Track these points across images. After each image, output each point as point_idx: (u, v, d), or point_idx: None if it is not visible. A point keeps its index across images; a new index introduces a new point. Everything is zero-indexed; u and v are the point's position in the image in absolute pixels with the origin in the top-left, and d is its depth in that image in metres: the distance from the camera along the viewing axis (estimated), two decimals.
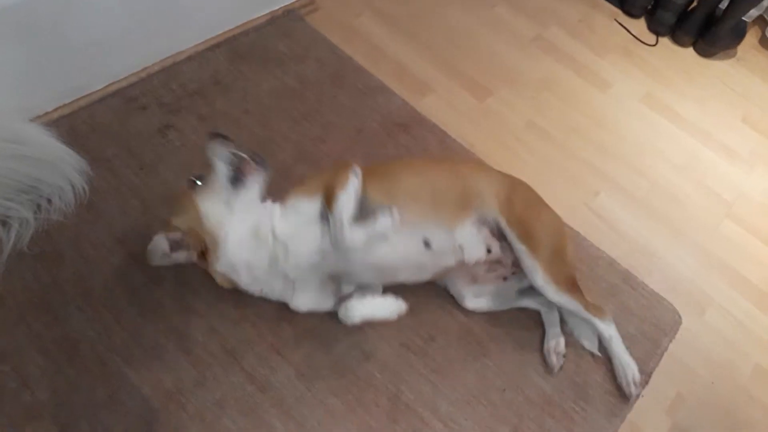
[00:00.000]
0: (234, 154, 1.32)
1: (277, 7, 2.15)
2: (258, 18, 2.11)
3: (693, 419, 1.58)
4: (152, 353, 1.40)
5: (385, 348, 1.51)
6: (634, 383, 1.51)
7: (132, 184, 1.65)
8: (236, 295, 1.48)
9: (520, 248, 1.47)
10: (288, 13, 2.17)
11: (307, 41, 2.12)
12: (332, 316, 1.48)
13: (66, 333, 1.39)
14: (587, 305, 1.51)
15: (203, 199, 1.30)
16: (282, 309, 1.48)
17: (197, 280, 1.51)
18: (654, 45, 2.52)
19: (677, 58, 2.52)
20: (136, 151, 1.72)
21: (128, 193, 1.64)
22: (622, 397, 1.53)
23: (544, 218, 1.54)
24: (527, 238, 1.47)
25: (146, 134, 1.76)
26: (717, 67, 2.53)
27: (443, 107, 2.07)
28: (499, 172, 1.63)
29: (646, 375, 1.60)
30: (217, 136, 1.32)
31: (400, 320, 1.37)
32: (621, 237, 1.88)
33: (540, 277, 1.47)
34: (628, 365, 1.53)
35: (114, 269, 1.50)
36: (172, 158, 1.73)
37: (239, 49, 2.02)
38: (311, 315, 1.48)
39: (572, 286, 1.50)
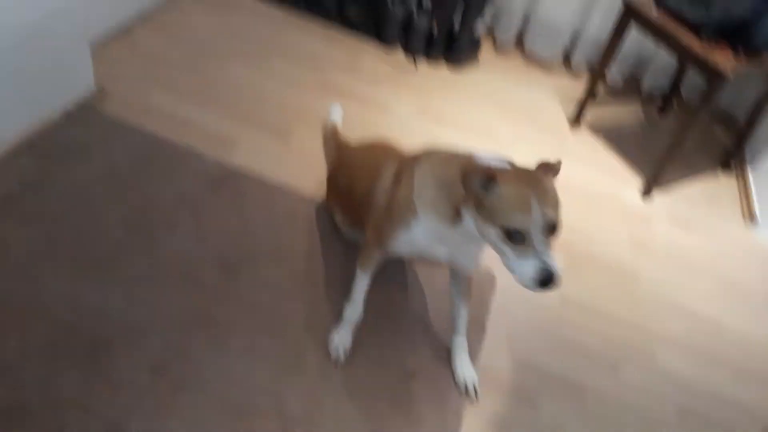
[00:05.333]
0: None
1: (68, 103, 2.20)
2: (53, 117, 2.15)
3: (526, 347, 1.91)
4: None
5: None
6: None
7: None
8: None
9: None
10: (81, 107, 2.23)
11: (108, 128, 2.20)
12: None
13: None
14: None
15: None
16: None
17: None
18: (416, 70, 2.97)
19: (437, 77, 2.98)
20: None
21: None
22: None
23: None
24: None
25: None
26: (468, 77, 3.04)
27: (253, 156, 2.27)
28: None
29: (480, 326, 1.92)
30: None
31: None
32: None
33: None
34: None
35: None
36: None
37: (44, 149, 2.04)
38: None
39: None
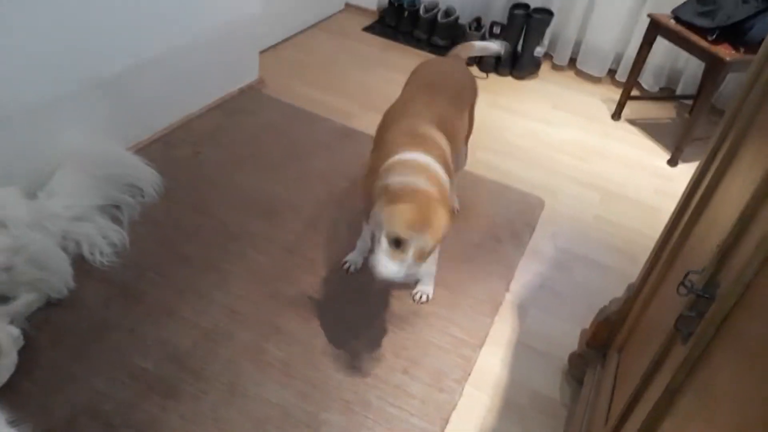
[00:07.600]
0: None
1: (242, 85, 3.19)
2: (233, 91, 3.13)
3: (566, 240, 2.60)
4: (202, 300, 2.22)
5: None
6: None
7: (187, 179, 2.53)
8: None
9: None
10: (249, 88, 3.22)
11: (267, 102, 3.16)
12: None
13: (184, 253, 2.19)
14: None
15: None
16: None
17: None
18: (486, 78, 3.83)
19: (504, 83, 3.82)
20: (181, 166, 2.61)
21: (187, 183, 2.51)
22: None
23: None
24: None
25: (185, 158, 2.66)
26: (529, 84, 3.87)
27: (366, 124, 3.14)
28: None
29: (531, 228, 2.63)
30: None
31: None
32: (497, 170, 2.97)
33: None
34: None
35: (197, 225, 2.34)
36: (207, 164, 2.63)
37: (228, 108, 3.03)
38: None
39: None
